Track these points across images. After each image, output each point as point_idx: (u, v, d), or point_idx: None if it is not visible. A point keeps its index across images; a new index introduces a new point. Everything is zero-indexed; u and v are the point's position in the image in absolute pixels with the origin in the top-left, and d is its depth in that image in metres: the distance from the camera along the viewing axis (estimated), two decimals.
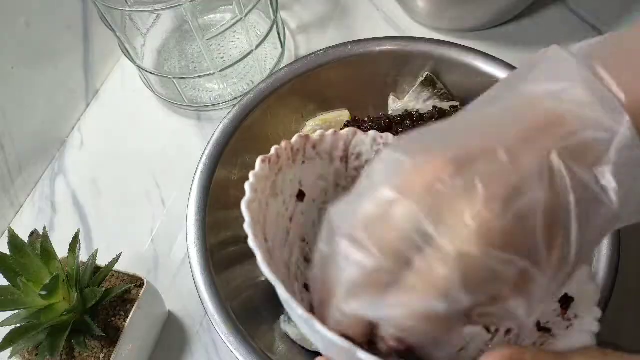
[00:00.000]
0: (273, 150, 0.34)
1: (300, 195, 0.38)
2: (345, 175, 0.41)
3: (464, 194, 0.21)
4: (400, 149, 0.24)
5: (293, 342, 0.48)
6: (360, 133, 0.39)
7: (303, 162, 0.37)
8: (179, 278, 0.57)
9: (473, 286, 0.21)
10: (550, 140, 0.22)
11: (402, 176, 0.23)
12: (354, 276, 0.23)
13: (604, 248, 0.42)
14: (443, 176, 0.22)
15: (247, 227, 0.30)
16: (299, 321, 0.27)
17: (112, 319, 0.47)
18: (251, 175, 0.33)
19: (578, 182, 0.22)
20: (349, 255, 0.23)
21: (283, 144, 0.35)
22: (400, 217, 0.22)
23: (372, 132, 0.39)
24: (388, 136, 0.40)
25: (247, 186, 0.31)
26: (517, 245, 0.21)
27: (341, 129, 0.53)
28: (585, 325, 0.28)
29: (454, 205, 0.21)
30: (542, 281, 0.22)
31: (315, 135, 0.37)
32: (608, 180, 0.22)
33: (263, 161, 0.34)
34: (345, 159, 0.40)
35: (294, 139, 0.36)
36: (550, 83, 0.24)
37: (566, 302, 0.30)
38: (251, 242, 0.28)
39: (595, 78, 0.23)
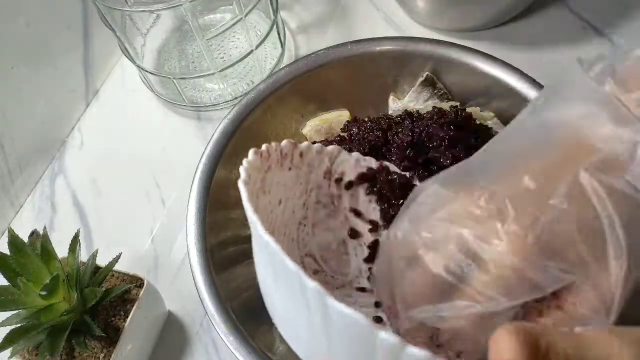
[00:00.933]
0: (264, 147, 0.35)
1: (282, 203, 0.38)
2: (327, 193, 0.41)
3: (498, 215, 0.24)
4: (443, 185, 0.28)
5: None
6: (344, 152, 0.41)
7: (290, 169, 0.38)
8: (179, 278, 0.57)
9: (509, 291, 0.24)
10: (575, 161, 0.24)
11: (449, 206, 0.27)
12: (421, 284, 0.27)
13: None
14: (480, 203, 0.25)
15: (245, 202, 0.30)
16: (311, 295, 0.24)
17: (112, 319, 0.47)
18: (244, 161, 0.34)
19: (611, 189, 0.23)
20: (416, 268, 0.27)
21: (273, 144, 0.36)
22: (452, 239, 0.26)
23: (355, 154, 0.41)
24: (371, 160, 0.41)
25: (241, 169, 0.32)
26: (550, 255, 0.23)
27: (341, 129, 0.53)
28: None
29: (491, 225, 0.25)
30: (586, 287, 0.24)
31: (303, 145, 0.38)
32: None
33: (255, 153, 0.35)
34: (329, 174, 0.41)
35: (283, 143, 0.37)
36: (569, 108, 0.26)
37: None
38: (252, 214, 0.29)
39: (613, 98, 0.24)
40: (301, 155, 0.38)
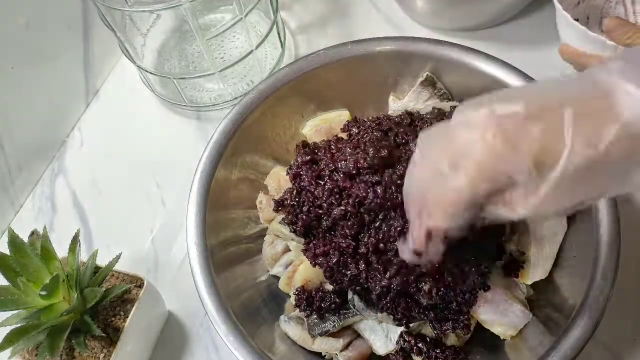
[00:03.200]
0: None
1: None
2: None
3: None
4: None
5: (293, 342, 0.48)
6: None
7: None
8: (179, 278, 0.57)
9: (485, 182, 0.30)
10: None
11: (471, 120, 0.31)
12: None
13: (604, 248, 0.42)
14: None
15: None
16: None
17: (112, 319, 0.47)
18: None
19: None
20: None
21: None
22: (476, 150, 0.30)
23: None
24: None
25: None
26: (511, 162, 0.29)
27: (341, 129, 0.53)
28: None
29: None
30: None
31: None
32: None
33: None
34: None
35: None
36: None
37: None
38: None
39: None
40: None
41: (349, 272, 0.43)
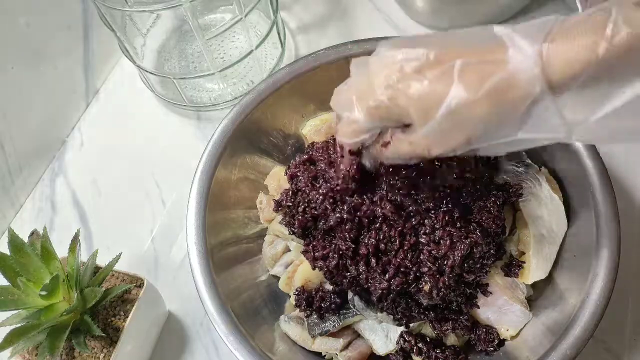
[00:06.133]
0: None
1: None
2: None
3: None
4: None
5: (293, 342, 0.48)
6: None
7: None
8: (179, 278, 0.57)
9: (378, 119, 0.35)
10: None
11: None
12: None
13: (604, 248, 0.42)
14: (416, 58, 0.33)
15: None
16: None
17: (112, 319, 0.47)
18: None
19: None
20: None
21: None
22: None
23: None
24: None
25: None
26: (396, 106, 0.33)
27: None
28: None
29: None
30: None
31: None
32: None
33: None
34: None
35: None
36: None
37: None
38: None
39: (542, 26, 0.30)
40: None
41: (348, 274, 0.43)
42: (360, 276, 0.42)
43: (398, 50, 0.33)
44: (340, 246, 0.42)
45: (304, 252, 0.45)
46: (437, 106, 0.31)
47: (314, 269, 0.44)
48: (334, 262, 0.42)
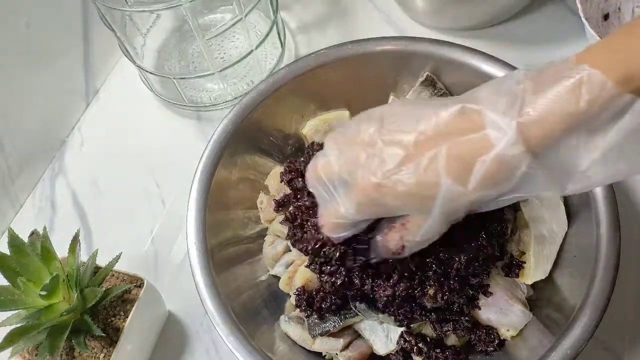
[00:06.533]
0: None
1: None
2: None
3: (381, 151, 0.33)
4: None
5: (293, 342, 0.48)
6: None
7: None
8: (179, 278, 0.57)
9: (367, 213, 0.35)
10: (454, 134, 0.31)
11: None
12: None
13: (604, 248, 0.42)
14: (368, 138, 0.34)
15: None
16: None
17: (112, 319, 0.47)
18: None
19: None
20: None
21: None
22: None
23: None
24: None
25: None
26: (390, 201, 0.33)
27: None
28: None
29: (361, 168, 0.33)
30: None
31: None
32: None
33: None
34: None
35: None
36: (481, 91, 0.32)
37: None
38: None
39: (516, 90, 0.29)
40: None
41: (354, 287, 0.42)
42: (365, 287, 0.42)
43: (372, 129, 0.34)
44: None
45: (309, 265, 0.44)
46: (431, 199, 0.31)
47: (320, 281, 0.44)
48: (339, 281, 0.42)
